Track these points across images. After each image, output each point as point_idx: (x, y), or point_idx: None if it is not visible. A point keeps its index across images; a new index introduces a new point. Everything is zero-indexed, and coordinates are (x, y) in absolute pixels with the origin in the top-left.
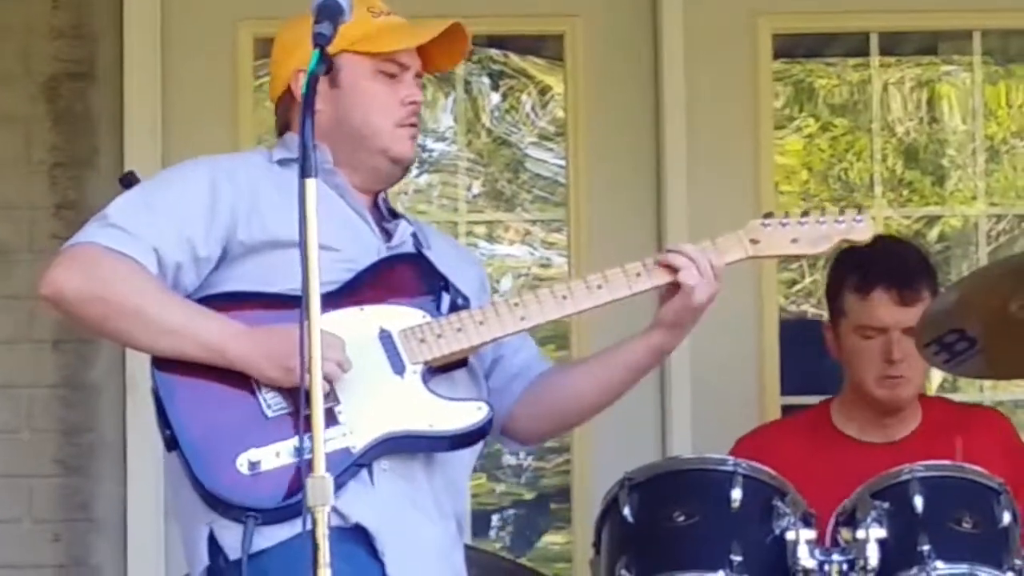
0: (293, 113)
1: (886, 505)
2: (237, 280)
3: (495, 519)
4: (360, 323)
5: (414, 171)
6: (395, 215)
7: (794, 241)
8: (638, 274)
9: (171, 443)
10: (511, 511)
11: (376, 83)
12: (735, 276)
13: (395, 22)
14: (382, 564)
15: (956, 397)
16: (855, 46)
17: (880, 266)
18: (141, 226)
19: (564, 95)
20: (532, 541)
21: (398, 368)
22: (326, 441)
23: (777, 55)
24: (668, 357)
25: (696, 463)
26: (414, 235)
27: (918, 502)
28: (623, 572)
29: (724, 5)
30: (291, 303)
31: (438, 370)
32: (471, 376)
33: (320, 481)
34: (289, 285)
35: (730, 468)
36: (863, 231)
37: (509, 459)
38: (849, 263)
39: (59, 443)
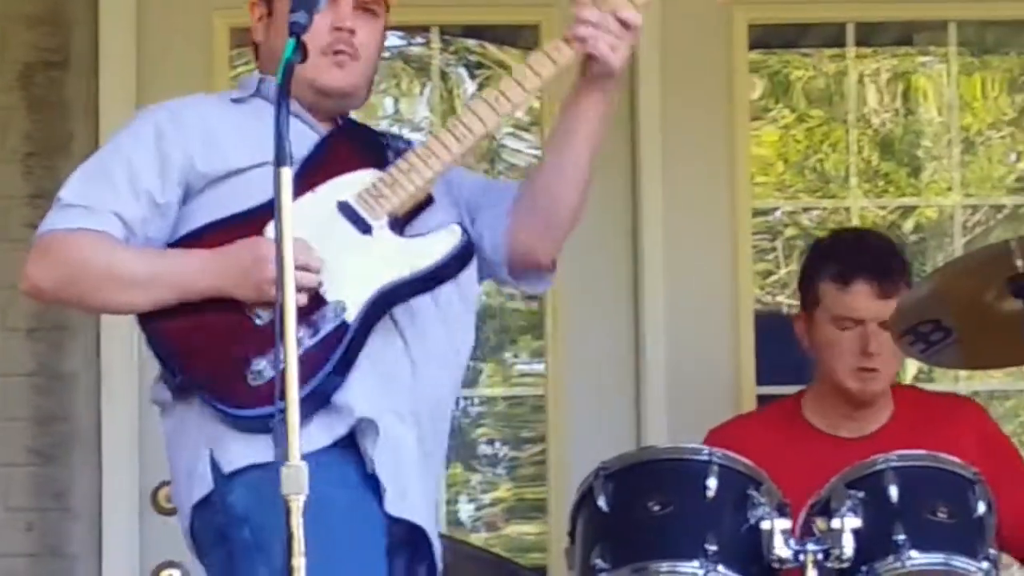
0: (256, 42)
1: (861, 495)
2: (203, 211)
3: (470, 508)
4: (317, 204)
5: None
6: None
7: None
8: (557, 48)
9: (183, 388)
10: (486, 500)
11: (320, 11)
12: (711, 267)
13: None
14: (363, 460)
15: (931, 387)
16: (831, 36)
17: (861, 257)
18: (95, 196)
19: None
20: (507, 531)
21: (365, 229)
22: (320, 326)
23: (753, 45)
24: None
25: (671, 453)
26: None
27: (893, 492)
28: (598, 561)
29: None
30: (256, 217)
31: (406, 217)
32: (440, 208)
33: (294, 469)
34: (252, 202)
35: (705, 458)
36: None
37: (485, 448)
38: (829, 253)
39: (34, 432)
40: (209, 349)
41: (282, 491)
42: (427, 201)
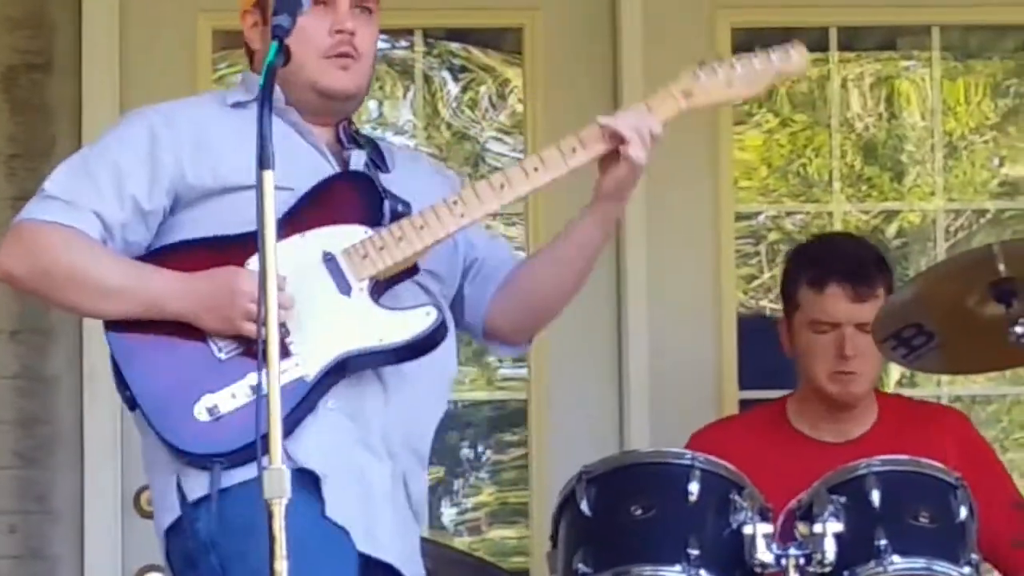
0: (251, 46)
1: (843, 499)
2: (192, 225)
3: (453, 512)
4: (303, 250)
5: None
6: (357, 143)
7: (729, 85)
8: (573, 149)
9: (132, 403)
10: (469, 504)
11: (303, 15)
12: (694, 271)
13: None
14: (322, 503)
15: (914, 392)
16: (814, 41)
17: (835, 261)
18: (79, 193)
19: (523, 89)
20: (490, 534)
21: (344, 288)
22: (280, 373)
23: (736, 49)
24: (624, 274)
25: (654, 457)
26: (371, 161)
27: (875, 497)
28: (580, 566)
29: None
30: (242, 245)
31: (388, 282)
32: (423, 282)
33: (276, 473)
34: (242, 227)
35: (688, 462)
36: (796, 62)
37: (467, 452)
38: (804, 258)
39: (16, 434)
40: (164, 373)
41: (264, 495)
42: (412, 270)
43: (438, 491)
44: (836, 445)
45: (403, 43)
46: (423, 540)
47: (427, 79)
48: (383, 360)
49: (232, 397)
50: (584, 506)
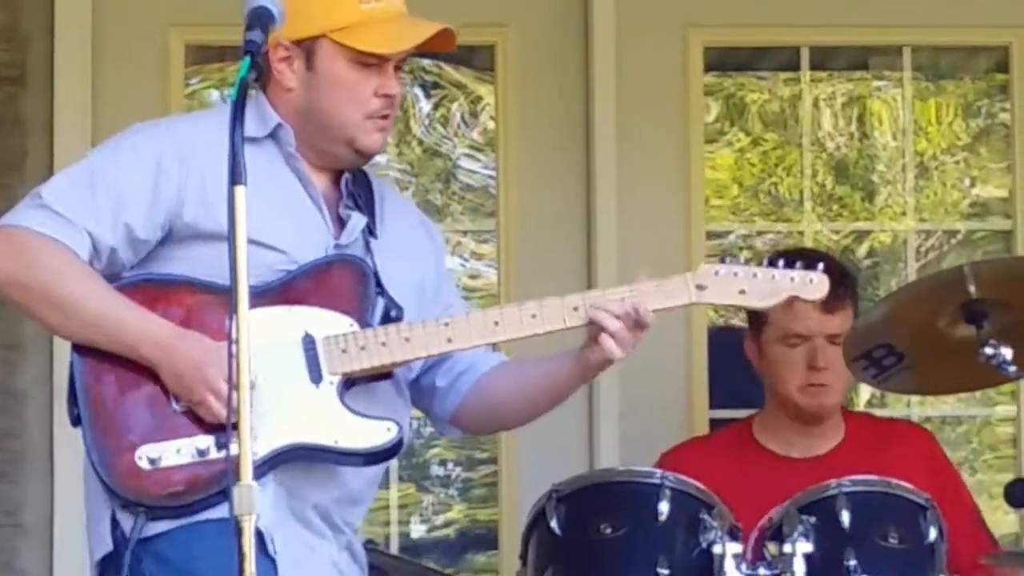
0: (268, 78)
1: (813, 520)
2: (180, 263)
3: (422, 529)
4: (286, 323)
5: None
6: (355, 199)
7: (742, 292)
8: (575, 308)
9: (76, 421)
10: (438, 521)
11: (351, 72)
12: None
13: (383, 14)
14: (273, 562)
15: (884, 412)
16: (786, 60)
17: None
18: (76, 208)
19: (495, 106)
20: (459, 552)
21: (315, 377)
22: (230, 444)
23: (708, 68)
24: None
25: (624, 475)
26: (368, 228)
27: (845, 517)
28: None
29: (656, 17)
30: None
31: (359, 381)
32: (394, 390)
33: (245, 489)
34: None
35: (657, 481)
36: (815, 290)
37: (437, 470)
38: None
39: None
40: (117, 406)
41: (233, 511)
42: (385, 375)
43: (407, 508)
44: (804, 461)
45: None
46: (392, 557)
47: None
48: (333, 460)
49: (177, 452)
50: (554, 524)
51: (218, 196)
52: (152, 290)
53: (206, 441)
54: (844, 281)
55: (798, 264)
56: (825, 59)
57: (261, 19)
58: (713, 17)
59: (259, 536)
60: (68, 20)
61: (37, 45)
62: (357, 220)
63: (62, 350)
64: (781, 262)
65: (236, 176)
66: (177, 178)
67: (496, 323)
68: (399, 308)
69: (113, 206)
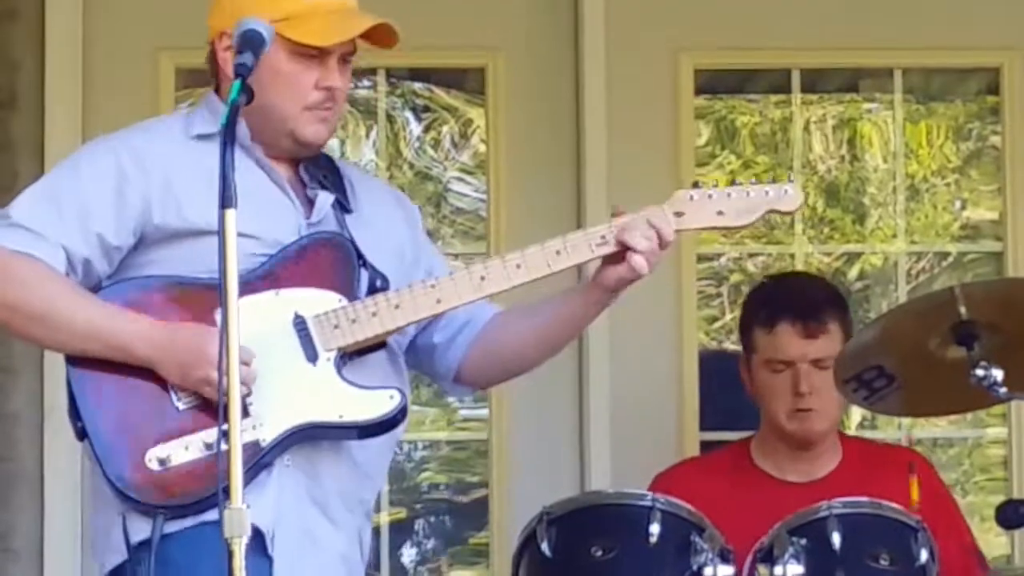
0: (217, 72)
1: (804, 542)
2: (156, 266)
3: (413, 553)
4: (275, 308)
5: None
6: (320, 180)
7: (720, 213)
8: (558, 252)
9: (81, 434)
10: (429, 544)
11: (291, 63)
12: (656, 312)
13: (326, 5)
14: (270, 561)
15: (875, 435)
16: (777, 83)
17: (784, 299)
18: (46, 224)
19: (485, 129)
20: (450, 575)
21: (311, 356)
22: (222, 435)
23: (699, 91)
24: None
25: (615, 498)
26: (337, 202)
27: (836, 539)
28: None
29: (646, 39)
30: (210, 291)
31: (354, 354)
32: (389, 359)
33: (237, 513)
34: (209, 272)
35: (648, 503)
36: (791, 200)
37: (428, 492)
38: (757, 299)
39: None
40: (119, 412)
41: (224, 534)
42: (380, 344)
43: (398, 531)
44: (801, 485)
45: (366, 83)
46: None
47: (390, 119)
48: (340, 435)
49: (185, 449)
50: (545, 547)
51: (185, 193)
52: (135, 294)
53: (213, 435)
54: (827, 305)
55: (773, 180)
56: (816, 82)
57: (252, 43)
58: (704, 40)
59: (258, 536)
60: (58, 43)
61: (27, 68)
62: (325, 198)
63: (53, 372)
64: (752, 181)
65: (227, 199)
66: (140, 183)
67: (483, 278)
68: (384, 278)
69: (81, 217)
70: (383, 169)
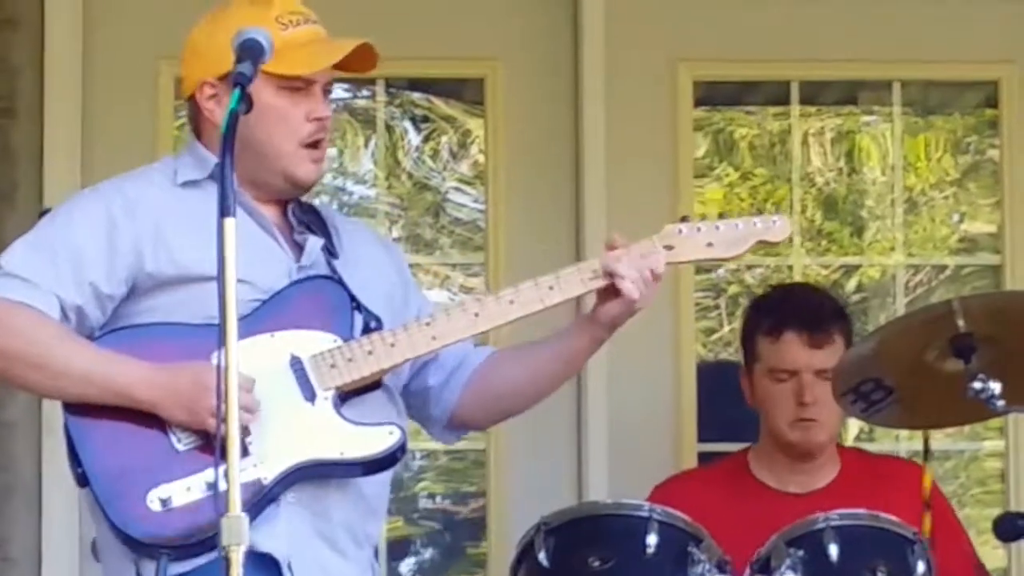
0: (200, 121)
1: (800, 553)
2: (150, 314)
3: (411, 563)
4: (271, 350)
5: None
6: (307, 225)
7: (709, 245)
8: (551, 288)
9: (82, 481)
10: (427, 555)
11: (280, 99)
12: (653, 324)
13: (302, 36)
14: None
15: (872, 447)
16: (776, 95)
17: (790, 309)
18: (39, 273)
19: (484, 139)
20: None
21: (308, 395)
22: (219, 470)
23: (698, 103)
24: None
25: (612, 508)
26: (326, 247)
27: (832, 550)
28: None
29: (645, 50)
30: (207, 336)
31: (351, 393)
32: (387, 397)
33: (235, 520)
34: (203, 319)
35: (645, 514)
36: (779, 231)
37: (425, 503)
38: (762, 308)
39: None
40: (119, 456)
41: (222, 542)
42: (376, 384)
43: (396, 541)
44: (800, 496)
45: (365, 92)
46: None
47: (388, 129)
48: (341, 472)
49: (187, 490)
50: (542, 557)
51: (176, 239)
52: (130, 341)
53: (214, 474)
54: (832, 316)
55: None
56: (815, 94)
57: (251, 51)
58: (702, 52)
59: (274, 564)
60: (58, 52)
61: (27, 76)
62: (314, 242)
63: None
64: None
65: (225, 209)
66: (131, 232)
67: (476, 314)
68: (377, 319)
69: (74, 266)
70: (382, 179)
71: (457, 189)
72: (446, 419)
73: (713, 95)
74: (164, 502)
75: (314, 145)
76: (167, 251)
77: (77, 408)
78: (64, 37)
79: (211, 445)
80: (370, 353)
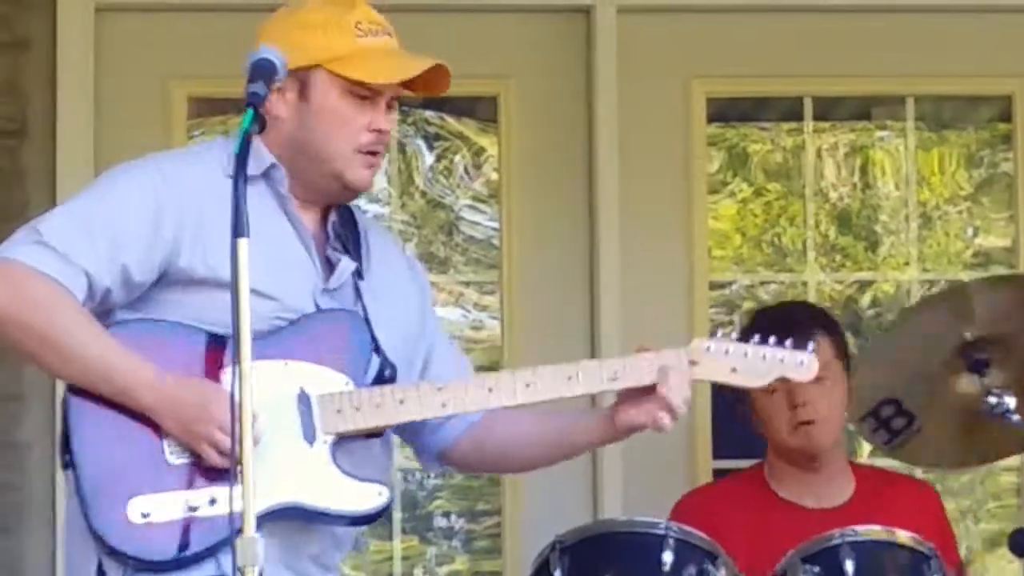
0: (272, 111)
1: (816, 569)
2: (173, 307)
3: None
4: (282, 379)
5: None
6: (343, 242)
7: (733, 371)
8: (569, 378)
9: (67, 465)
10: (441, 573)
11: (344, 103)
12: (667, 340)
13: (379, 47)
14: None
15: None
16: (789, 110)
17: (764, 321)
18: (74, 248)
19: (498, 157)
20: None
21: (309, 436)
22: (220, 502)
23: (711, 119)
24: None
25: (627, 526)
26: (357, 271)
27: (849, 567)
28: None
29: (658, 68)
30: (222, 347)
31: (350, 438)
32: (384, 450)
33: (250, 542)
34: (224, 326)
35: (661, 531)
36: (805, 371)
37: (440, 521)
38: (752, 325)
39: None
40: (109, 454)
41: (236, 563)
42: (378, 433)
43: (410, 560)
44: (819, 512)
45: None
46: None
47: (402, 147)
48: (323, 521)
49: (168, 507)
50: (558, 575)
51: (213, 240)
52: (147, 336)
53: (198, 497)
54: (809, 319)
55: (788, 343)
56: (828, 109)
57: (263, 71)
58: (716, 68)
59: None
60: (70, 73)
61: (39, 98)
62: (346, 265)
63: None
64: (772, 339)
65: (239, 228)
66: (175, 223)
67: (490, 389)
68: (393, 368)
69: (111, 247)
70: (395, 197)
71: (471, 207)
72: (436, 452)
73: (727, 111)
74: (144, 515)
75: (370, 153)
76: (202, 248)
77: (82, 392)
78: (76, 58)
79: (200, 465)
80: (378, 406)
